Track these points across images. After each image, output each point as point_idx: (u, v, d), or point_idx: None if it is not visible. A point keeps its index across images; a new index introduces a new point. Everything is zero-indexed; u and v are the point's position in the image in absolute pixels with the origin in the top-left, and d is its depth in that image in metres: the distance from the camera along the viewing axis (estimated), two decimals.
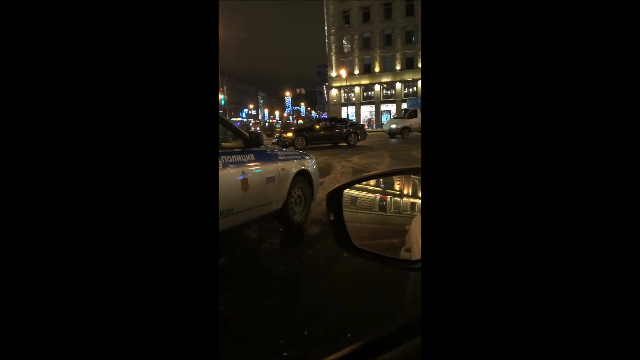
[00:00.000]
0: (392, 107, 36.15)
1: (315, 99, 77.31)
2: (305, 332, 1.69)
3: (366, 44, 36.40)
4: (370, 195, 0.87)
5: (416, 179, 0.81)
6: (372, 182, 0.89)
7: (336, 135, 13.52)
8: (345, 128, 13.78)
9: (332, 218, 0.63)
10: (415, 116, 17.55)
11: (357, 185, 0.82)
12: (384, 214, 0.87)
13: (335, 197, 0.65)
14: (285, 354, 1.53)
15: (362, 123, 16.43)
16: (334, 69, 38.02)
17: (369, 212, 0.88)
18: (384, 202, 0.85)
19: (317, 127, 13.67)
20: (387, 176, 0.84)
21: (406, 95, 35.21)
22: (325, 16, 37.67)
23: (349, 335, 1.63)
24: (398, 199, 0.86)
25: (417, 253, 0.61)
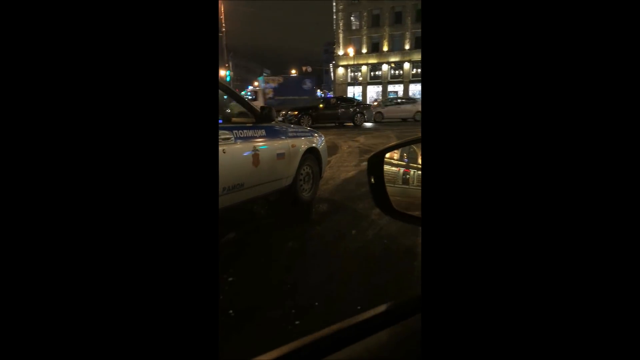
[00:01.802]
0: (399, 88, 35.63)
1: (321, 77, 76.17)
2: (316, 304, 1.74)
3: (375, 22, 35.54)
4: (394, 168, 0.88)
5: None
6: (396, 156, 0.90)
7: (342, 115, 13.42)
8: (351, 108, 13.66)
9: (372, 181, 0.65)
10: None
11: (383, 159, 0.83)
12: (407, 187, 0.89)
13: (376, 161, 0.67)
14: (297, 322, 1.58)
15: (368, 103, 16.24)
16: (341, 47, 37.28)
17: (392, 185, 0.90)
18: (407, 176, 0.86)
19: (323, 106, 13.55)
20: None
21: (414, 76, 34.61)
22: None
23: (358, 307, 1.67)
24: (421, 172, 0.87)
25: None
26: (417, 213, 0.84)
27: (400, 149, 0.80)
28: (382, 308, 0.48)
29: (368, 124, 13.87)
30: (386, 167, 0.89)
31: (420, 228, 0.72)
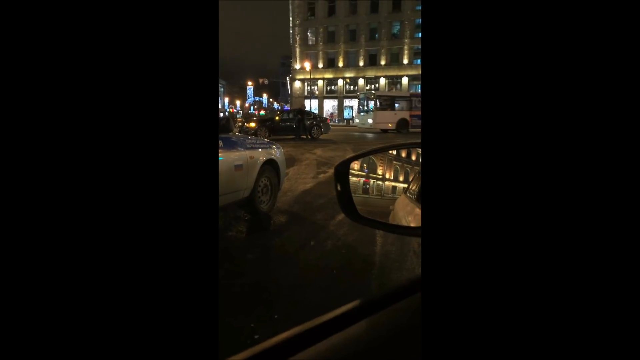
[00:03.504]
0: (354, 103, 36.60)
1: (278, 90, 76.34)
2: (276, 316, 1.72)
3: (331, 38, 36.47)
4: (354, 179, 0.92)
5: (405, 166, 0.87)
6: (356, 166, 0.94)
7: (299, 128, 13.51)
8: (308, 121, 13.80)
9: (338, 189, 0.68)
10: None
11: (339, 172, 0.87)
12: (367, 196, 0.93)
13: (342, 169, 0.70)
14: (256, 336, 1.56)
15: (325, 117, 16.56)
16: (298, 61, 37.75)
17: (353, 194, 0.93)
18: (367, 186, 0.91)
19: (280, 118, 13.59)
20: (393, 149, 0.90)
21: (368, 91, 35.78)
22: (291, 6, 37.25)
23: None
24: (380, 182, 0.92)
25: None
26: (381, 219, 0.88)
27: (361, 159, 0.84)
28: (373, 295, 0.49)
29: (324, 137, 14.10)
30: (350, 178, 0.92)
31: (377, 235, 0.75)
